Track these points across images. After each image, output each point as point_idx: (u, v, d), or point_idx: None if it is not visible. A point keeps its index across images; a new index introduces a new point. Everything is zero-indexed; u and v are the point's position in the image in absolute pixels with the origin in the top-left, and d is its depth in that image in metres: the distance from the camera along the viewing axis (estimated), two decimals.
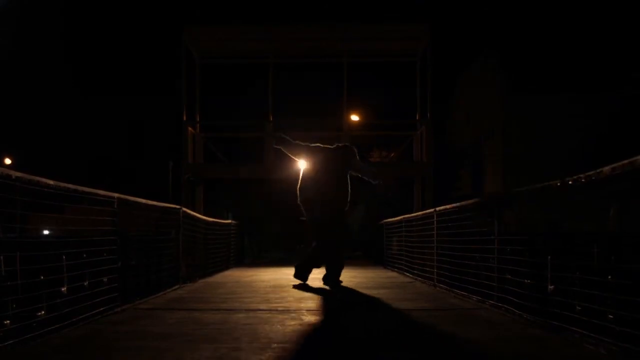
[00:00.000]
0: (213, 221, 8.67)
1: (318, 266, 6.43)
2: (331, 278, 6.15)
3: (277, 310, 4.18)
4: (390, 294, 5.24)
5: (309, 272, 6.36)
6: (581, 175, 2.99)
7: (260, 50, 12.89)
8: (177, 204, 6.51)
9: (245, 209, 17.42)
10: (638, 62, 17.74)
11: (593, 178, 2.88)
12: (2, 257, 2.94)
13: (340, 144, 6.59)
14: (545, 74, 18.84)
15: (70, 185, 3.55)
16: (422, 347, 2.97)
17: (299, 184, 6.34)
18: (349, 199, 6.33)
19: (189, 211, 6.83)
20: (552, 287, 3.32)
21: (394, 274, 8.09)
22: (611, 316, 2.76)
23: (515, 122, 19.68)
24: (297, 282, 6.26)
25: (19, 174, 2.96)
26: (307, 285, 6.07)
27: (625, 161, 2.58)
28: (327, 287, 5.86)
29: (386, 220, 9.44)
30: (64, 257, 3.53)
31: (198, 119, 12.49)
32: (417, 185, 12.52)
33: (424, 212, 6.86)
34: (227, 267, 9.39)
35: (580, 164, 3.13)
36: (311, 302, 4.69)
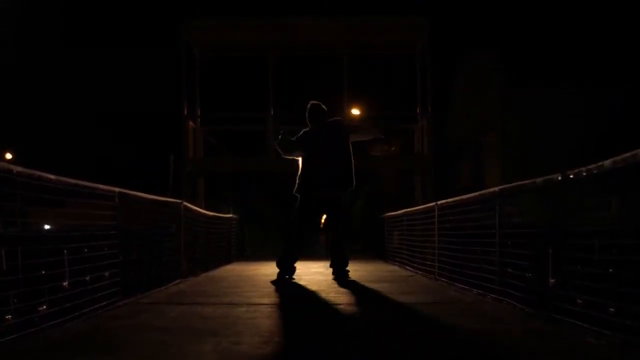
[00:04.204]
0: (214, 215, 8.68)
1: (298, 255, 6.22)
2: (339, 270, 6.09)
3: (278, 304, 4.18)
4: (391, 287, 5.25)
5: (294, 262, 6.17)
6: (582, 169, 2.98)
7: (260, 43, 12.87)
8: (178, 198, 6.51)
9: (246, 202, 17.44)
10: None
11: (594, 171, 2.88)
12: (3, 252, 2.94)
13: (331, 119, 6.35)
14: (545, 69, 18.78)
15: (71, 180, 3.55)
16: (422, 340, 2.97)
17: (300, 170, 6.17)
18: (354, 175, 6.12)
19: (190, 205, 6.83)
20: (553, 280, 3.33)
21: (395, 267, 8.10)
22: (612, 309, 2.76)
23: (514, 116, 19.63)
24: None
25: (19, 169, 2.96)
26: (308, 279, 6.07)
27: (627, 154, 2.57)
28: (327, 281, 5.86)
29: (387, 214, 9.45)
30: (65, 251, 3.53)
31: (198, 113, 12.48)
32: (417, 179, 12.54)
33: (425, 206, 6.86)
34: (228, 261, 9.40)
35: (581, 160, 3.12)
36: (312, 295, 4.70)
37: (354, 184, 6.13)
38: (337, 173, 6.07)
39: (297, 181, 6.17)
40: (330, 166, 6.05)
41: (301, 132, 6.30)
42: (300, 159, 6.25)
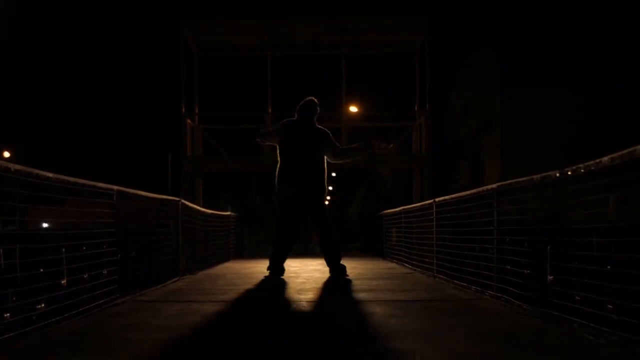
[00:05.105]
0: (212, 213, 8.69)
1: (288, 252, 6.22)
2: (335, 267, 6.02)
3: (276, 302, 4.18)
4: (389, 285, 5.25)
5: (283, 261, 6.17)
6: (580, 166, 2.98)
7: (259, 43, 12.87)
8: (176, 196, 6.51)
9: (244, 201, 17.46)
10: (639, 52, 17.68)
11: (592, 168, 2.88)
12: (1, 250, 2.93)
13: (319, 127, 6.24)
14: (544, 66, 18.80)
15: (70, 178, 3.54)
16: (419, 337, 2.97)
17: (277, 167, 6.14)
18: (326, 182, 6.10)
19: (188, 203, 6.83)
20: (551, 277, 3.33)
21: (394, 265, 8.10)
22: (610, 306, 2.76)
23: (513, 113, 19.67)
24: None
25: (18, 167, 2.95)
26: (306, 276, 6.07)
27: (625, 151, 2.58)
28: (325, 278, 5.86)
29: (385, 212, 9.45)
30: (63, 249, 3.53)
31: (197, 112, 12.47)
32: (416, 177, 12.55)
33: (423, 203, 6.86)
34: (226, 259, 9.41)
35: (580, 156, 3.13)
36: (310, 293, 4.70)
37: (326, 190, 6.15)
38: (308, 178, 6.01)
39: (276, 176, 6.17)
40: (302, 166, 6.00)
41: (280, 123, 6.27)
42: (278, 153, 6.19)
